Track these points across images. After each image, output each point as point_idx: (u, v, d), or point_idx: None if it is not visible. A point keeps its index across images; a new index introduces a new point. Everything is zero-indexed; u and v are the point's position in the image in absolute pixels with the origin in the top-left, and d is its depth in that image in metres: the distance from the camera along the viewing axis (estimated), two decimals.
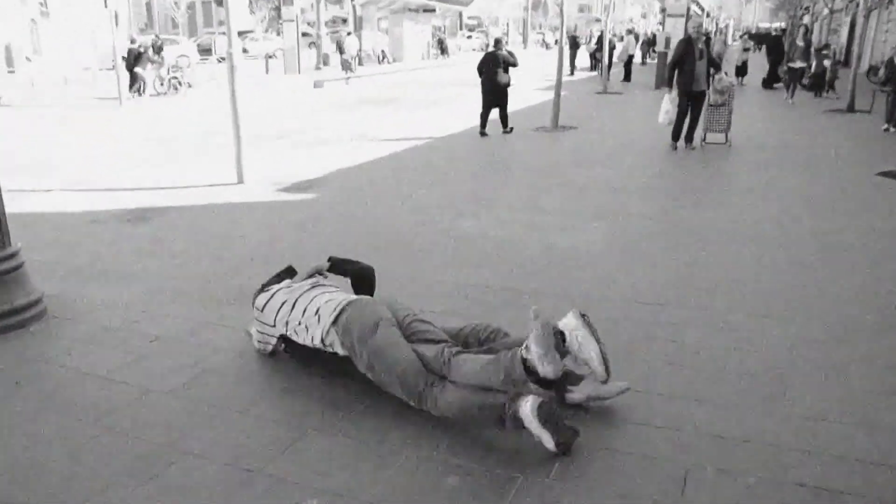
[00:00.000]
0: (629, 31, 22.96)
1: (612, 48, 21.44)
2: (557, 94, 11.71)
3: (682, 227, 5.76)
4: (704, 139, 9.79)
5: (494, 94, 11.07)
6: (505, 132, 11.35)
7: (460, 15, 50.31)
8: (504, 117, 11.34)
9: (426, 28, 36.36)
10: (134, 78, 17.94)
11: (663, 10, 21.12)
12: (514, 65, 11.12)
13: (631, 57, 21.63)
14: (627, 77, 21.35)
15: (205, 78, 21.80)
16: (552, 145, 10.32)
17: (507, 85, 11.08)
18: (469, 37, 47.53)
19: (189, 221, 6.30)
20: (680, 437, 2.67)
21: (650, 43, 25.42)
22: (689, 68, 9.17)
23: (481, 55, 11.82)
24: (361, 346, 2.95)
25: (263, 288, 3.55)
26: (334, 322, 3.07)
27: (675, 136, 9.52)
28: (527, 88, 12.45)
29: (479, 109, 11.38)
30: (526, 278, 4.57)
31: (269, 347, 3.44)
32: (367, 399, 3.01)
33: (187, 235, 5.82)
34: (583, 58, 26.93)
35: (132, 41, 18.88)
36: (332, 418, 2.89)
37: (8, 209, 3.97)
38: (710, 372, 3.19)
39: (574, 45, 24.86)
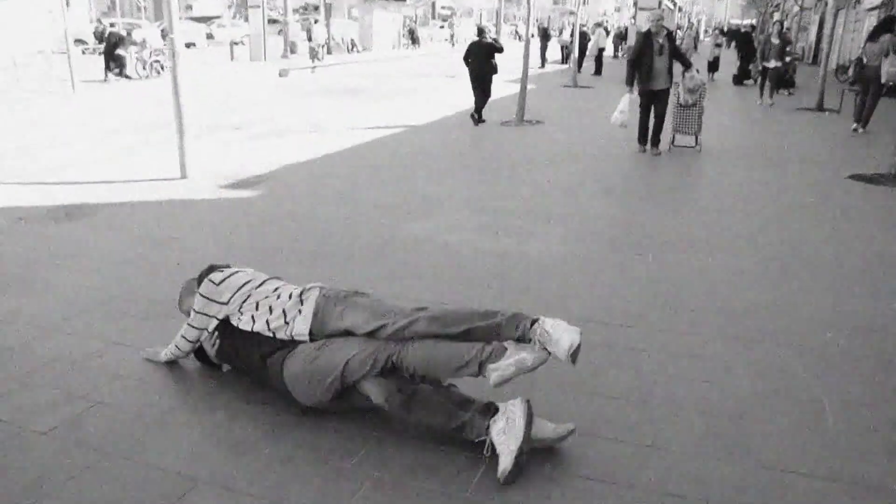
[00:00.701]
0: (598, 25, 22.63)
1: (584, 40, 21.13)
2: (523, 88, 11.35)
3: (646, 234, 5.41)
4: (673, 142, 9.17)
5: (480, 83, 11.15)
6: (477, 122, 11.28)
7: (433, 5, 49.74)
8: (480, 107, 11.33)
9: (397, 17, 35.75)
10: (114, 60, 17.99)
11: (636, 4, 20.87)
12: (500, 50, 11.18)
13: (601, 51, 21.33)
14: (598, 71, 21.07)
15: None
16: (516, 141, 9.93)
17: (493, 72, 11.17)
18: (442, 27, 46.97)
19: (121, 220, 5.82)
20: (631, 496, 2.30)
21: (622, 37, 25.14)
22: (647, 64, 8.54)
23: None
24: (347, 294, 2.84)
25: (215, 268, 3.15)
26: (322, 287, 2.93)
27: (642, 139, 8.93)
28: (496, 80, 12.18)
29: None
30: (473, 291, 4.18)
31: (204, 333, 3.04)
32: (272, 443, 2.61)
33: (115, 236, 5.34)
34: (554, 50, 26.61)
35: (111, 24, 18.85)
36: (229, 466, 2.47)
37: None
38: (667, 410, 2.83)
39: (545, 37, 24.50)
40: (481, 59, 11.02)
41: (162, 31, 23.10)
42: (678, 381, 3.07)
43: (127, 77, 18.26)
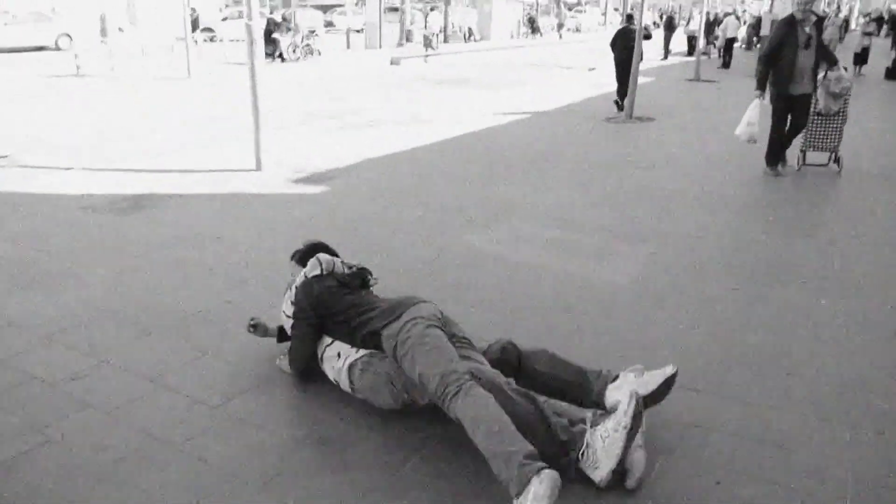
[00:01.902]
0: (726, 14, 20.69)
1: (713, 24, 19.44)
2: (634, 81, 10.37)
3: (749, 262, 4.50)
4: (804, 161, 7.20)
5: (623, 69, 10.95)
6: (619, 106, 11.12)
7: None
8: (623, 94, 11.06)
9: (517, 5, 34.88)
10: (270, 44, 19.81)
11: None
12: (648, 38, 11.10)
13: (730, 42, 19.48)
14: (726, 64, 19.34)
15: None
16: (619, 140, 9.04)
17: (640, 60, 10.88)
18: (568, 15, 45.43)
19: (179, 214, 5.64)
20: None
21: (755, 27, 22.97)
22: (788, 61, 6.59)
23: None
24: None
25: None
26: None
27: (772, 159, 7.01)
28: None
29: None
30: (530, 326, 3.53)
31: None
32: None
33: (167, 232, 5.12)
34: (680, 41, 24.89)
35: (270, 11, 20.97)
36: None
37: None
38: None
39: (669, 27, 22.86)
40: (626, 46, 10.80)
41: (283, 17, 23.87)
42: (756, 484, 2.30)
43: (282, 59, 19.94)
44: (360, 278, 3.07)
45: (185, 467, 2.38)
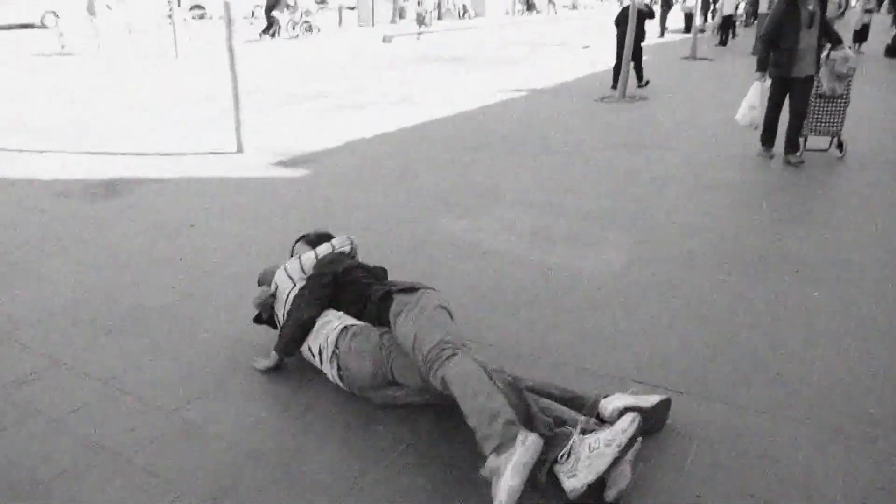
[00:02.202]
0: None
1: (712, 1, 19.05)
2: (626, 61, 10.12)
3: (744, 252, 4.33)
4: (805, 146, 6.76)
5: (624, 47, 10.68)
6: (640, 86, 11.04)
7: None
8: (638, 70, 11.10)
9: None
10: (270, 21, 19.97)
11: None
12: (651, 16, 11.01)
13: (727, 19, 19.09)
14: (723, 41, 19.00)
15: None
16: (610, 120, 8.80)
17: (641, 39, 10.85)
18: None
19: (156, 199, 5.46)
20: None
21: (753, 3, 22.52)
22: (790, 41, 6.19)
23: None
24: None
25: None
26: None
27: (768, 140, 6.72)
28: (611, 50, 11.25)
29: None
30: (509, 318, 3.37)
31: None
32: None
33: (138, 220, 4.95)
34: (677, 19, 24.50)
35: None
36: None
37: None
38: None
39: (667, 4, 22.46)
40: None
41: None
42: (739, 498, 2.15)
43: (273, 36, 19.90)
44: (380, 272, 3.11)
45: (131, 481, 2.23)
